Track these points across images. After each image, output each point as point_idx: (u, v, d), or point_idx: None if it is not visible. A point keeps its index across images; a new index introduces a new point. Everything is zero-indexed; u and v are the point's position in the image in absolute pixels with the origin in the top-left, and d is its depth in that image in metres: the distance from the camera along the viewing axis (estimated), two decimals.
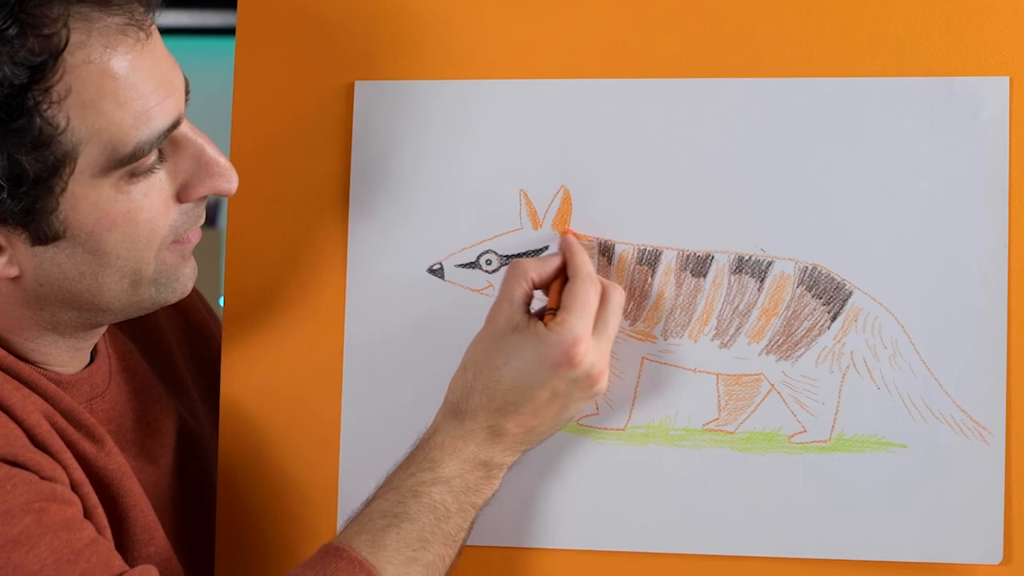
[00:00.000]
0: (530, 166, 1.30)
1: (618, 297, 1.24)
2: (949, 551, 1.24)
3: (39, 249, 1.15)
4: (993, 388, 1.24)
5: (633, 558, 1.28)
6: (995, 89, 1.25)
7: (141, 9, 1.14)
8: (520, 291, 1.23)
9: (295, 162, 1.33)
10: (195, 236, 1.23)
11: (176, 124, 1.17)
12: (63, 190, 1.12)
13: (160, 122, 1.15)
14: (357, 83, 1.32)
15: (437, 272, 1.31)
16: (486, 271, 1.30)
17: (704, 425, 1.28)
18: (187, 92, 1.20)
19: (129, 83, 1.13)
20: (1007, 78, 1.25)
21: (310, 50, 1.33)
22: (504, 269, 1.29)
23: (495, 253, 1.30)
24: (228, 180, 1.20)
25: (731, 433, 1.27)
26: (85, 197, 1.14)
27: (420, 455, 1.22)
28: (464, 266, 1.30)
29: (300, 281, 1.32)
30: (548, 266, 1.25)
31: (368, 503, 1.21)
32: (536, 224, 1.30)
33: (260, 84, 1.33)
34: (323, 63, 1.33)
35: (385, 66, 1.32)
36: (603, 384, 1.22)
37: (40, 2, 1.09)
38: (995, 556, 1.24)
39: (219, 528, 1.33)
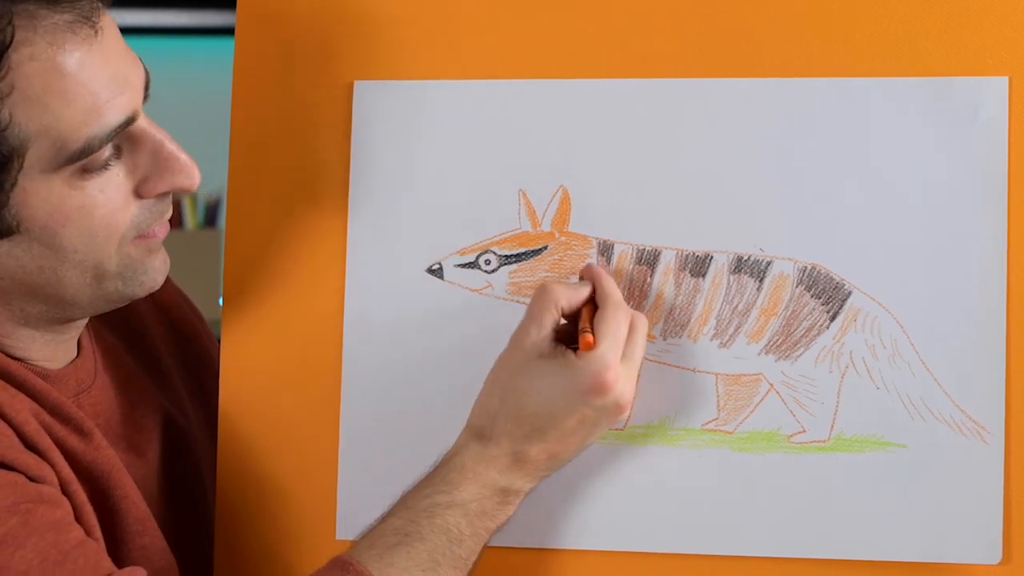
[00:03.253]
0: (529, 166, 1.30)
1: (644, 326, 1.24)
2: (948, 551, 1.24)
3: None
4: (992, 388, 1.24)
5: (631, 558, 1.28)
6: (994, 89, 1.25)
7: (90, 6, 1.13)
8: (550, 319, 1.22)
9: (294, 162, 1.33)
10: (162, 231, 1.22)
11: (131, 120, 1.16)
12: (13, 186, 1.12)
13: (112, 119, 1.14)
14: (357, 83, 1.32)
15: (436, 272, 1.31)
16: (485, 271, 1.30)
17: (703, 425, 1.28)
18: (147, 88, 1.19)
19: (77, 80, 1.12)
20: (1006, 78, 1.25)
21: (310, 50, 1.33)
22: (503, 269, 1.30)
23: (494, 253, 1.30)
24: (188, 176, 1.19)
25: (730, 433, 1.27)
26: (36, 192, 1.13)
27: (438, 476, 1.22)
28: (463, 266, 1.30)
29: (299, 281, 1.32)
30: (578, 295, 1.24)
31: (381, 520, 1.21)
32: (535, 224, 1.30)
33: (259, 84, 1.33)
34: (323, 63, 1.33)
35: (385, 66, 1.32)
36: (628, 412, 1.23)
37: None
38: (994, 556, 1.24)
39: (218, 528, 1.33)
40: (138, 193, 1.19)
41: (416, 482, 1.23)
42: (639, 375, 1.28)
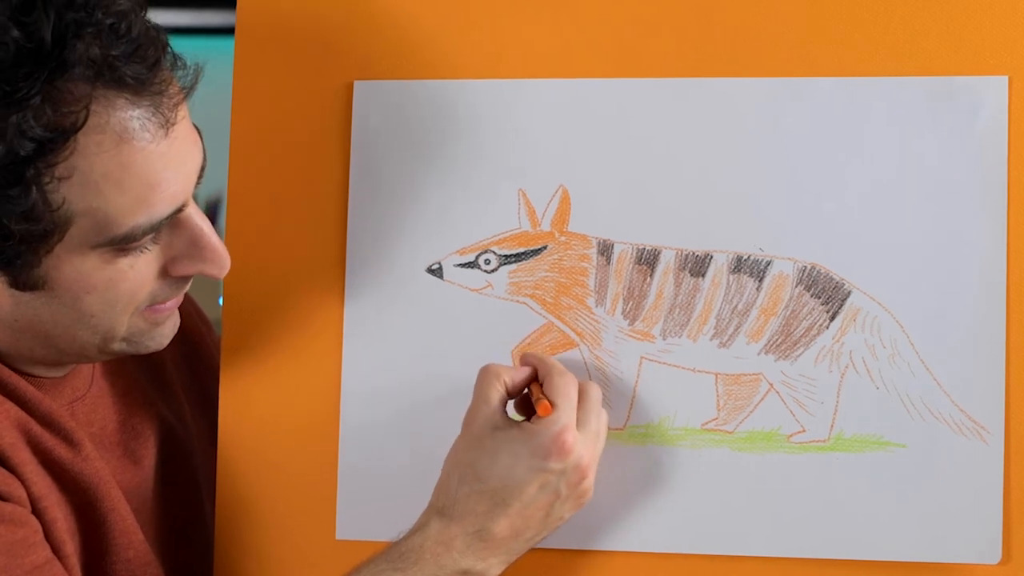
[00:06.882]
0: (529, 166, 1.30)
1: (595, 392, 1.24)
2: (948, 551, 1.24)
3: (17, 292, 1.14)
4: (992, 387, 1.24)
5: (631, 558, 1.28)
6: (994, 88, 1.25)
7: (170, 103, 1.12)
8: (496, 393, 1.22)
9: (294, 162, 1.33)
10: (173, 303, 1.22)
11: (180, 210, 1.15)
12: (48, 252, 1.11)
13: (161, 211, 1.13)
14: (357, 83, 1.32)
15: (436, 272, 1.31)
16: (485, 271, 1.30)
17: (703, 425, 1.28)
18: (201, 172, 1.18)
19: (136, 173, 1.11)
20: (1006, 77, 1.25)
21: (310, 50, 1.33)
22: (503, 268, 1.30)
23: (494, 253, 1.30)
24: (220, 267, 1.19)
25: (730, 433, 1.27)
26: (69, 261, 1.13)
27: (395, 552, 1.20)
28: (463, 266, 1.30)
29: (299, 281, 1.32)
30: (519, 373, 1.24)
31: None
32: (535, 223, 1.30)
33: (260, 84, 1.33)
34: (323, 63, 1.33)
35: (385, 66, 1.32)
36: (590, 483, 1.21)
37: (68, 78, 1.07)
38: (994, 555, 1.24)
39: (218, 529, 1.33)
40: (165, 271, 1.18)
41: (375, 554, 1.21)
42: (638, 371, 1.28)
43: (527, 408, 1.25)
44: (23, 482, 1.17)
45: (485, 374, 1.23)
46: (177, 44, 1.20)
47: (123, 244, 1.13)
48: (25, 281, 1.13)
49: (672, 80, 1.29)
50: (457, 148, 1.31)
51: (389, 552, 1.21)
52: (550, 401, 1.21)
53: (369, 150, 1.32)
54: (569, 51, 1.30)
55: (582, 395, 1.23)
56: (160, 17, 1.17)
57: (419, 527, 1.21)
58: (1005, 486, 1.24)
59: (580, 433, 1.20)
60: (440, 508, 1.21)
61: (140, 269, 1.16)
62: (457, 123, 1.31)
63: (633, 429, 1.28)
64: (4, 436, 1.16)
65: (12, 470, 1.16)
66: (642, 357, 1.28)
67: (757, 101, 1.28)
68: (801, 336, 1.27)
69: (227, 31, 1.36)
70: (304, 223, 1.33)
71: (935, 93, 1.26)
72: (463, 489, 1.20)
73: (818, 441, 1.26)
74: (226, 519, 1.33)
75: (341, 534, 1.31)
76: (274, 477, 1.32)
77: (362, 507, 1.30)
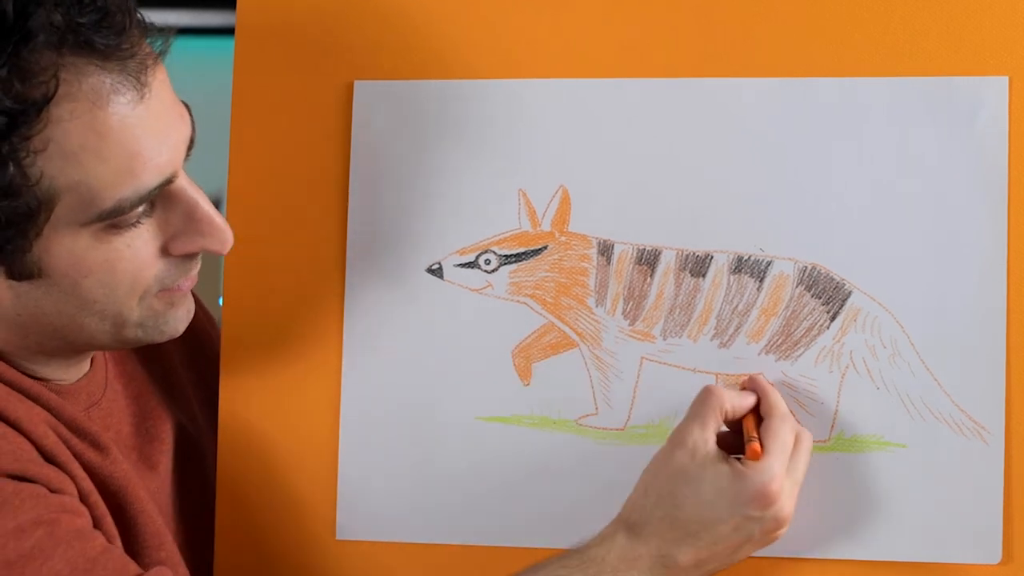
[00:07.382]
0: (529, 166, 1.30)
1: (808, 441, 1.22)
2: (948, 551, 1.24)
3: (15, 283, 1.14)
4: (992, 387, 1.24)
5: None
6: (994, 89, 1.25)
7: (140, 65, 1.11)
8: (714, 422, 1.20)
9: (294, 162, 1.33)
10: (188, 284, 1.20)
11: (168, 182, 1.14)
12: (37, 234, 1.10)
13: (147, 181, 1.12)
14: (357, 83, 1.32)
15: (436, 272, 1.31)
16: (485, 271, 1.30)
17: None
18: (191, 144, 1.16)
19: (114, 140, 1.10)
20: (1006, 78, 1.25)
21: (310, 50, 1.33)
22: (503, 268, 1.30)
23: (494, 253, 1.30)
24: (221, 240, 1.17)
25: None
26: (60, 243, 1.11)
27: (577, 558, 1.19)
28: (463, 266, 1.30)
29: (299, 280, 1.32)
30: (743, 402, 1.22)
31: None
32: (535, 224, 1.30)
33: (260, 84, 1.33)
34: (323, 63, 1.33)
35: (385, 66, 1.32)
36: (784, 531, 1.20)
37: (33, 48, 1.06)
38: (994, 556, 1.24)
39: (218, 529, 1.33)
40: (166, 250, 1.17)
41: (556, 555, 1.20)
42: (639, 371, 1.28)
43: (736, 435, 1.23)
44: (71, 479, 1.17)
45: (708, 397, 1.21)
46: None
47: (112, 218, 1.12)
48: (20, 269, 1.12)
49: (672, 80, 1.29)
50: (457, 148, 1.31)
51: (571, 556, 1.19)
52: (762, 444, 1.18)
53: (369, 150, 1.32)
54: (570, 51, 1.30)
55: (796, 442, 1.21)
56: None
57: (606, 537, 1.20)
58: (1005, 486, 1.24)
59: (787, 481, 1.18)
60: (631, 524, 1.20)
61: (138, 248, 1.15)
62: (457, 123, 1.31)
63: (633, 429, 1.28)
64: (48, 437, 1.16)
65: (61, 468, 1.16)
66: (642, 357, 1.28)
67: (757, 101, 1.28)
68: (801, 336, 1.27)
69: (227, 31, 1.36)
70: (304, 223, 1.33)
71: (935, 93, 1.26)
72: (657, 512, 1.19)
73: (818, 441, 1.26)
74: (226, 518, 1.33)
75: (341, 534, 1.31)
76: (274, 477, 1.32)
77: (362, 507, 1.30)
